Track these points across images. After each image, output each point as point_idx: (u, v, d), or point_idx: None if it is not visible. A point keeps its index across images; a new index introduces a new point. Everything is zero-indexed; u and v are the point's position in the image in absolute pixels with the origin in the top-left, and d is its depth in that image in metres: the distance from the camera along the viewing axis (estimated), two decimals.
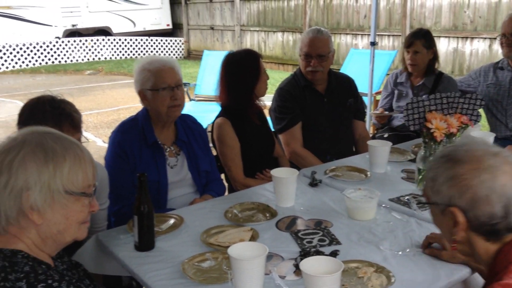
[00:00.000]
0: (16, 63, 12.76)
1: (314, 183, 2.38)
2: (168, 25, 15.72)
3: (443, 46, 9.04)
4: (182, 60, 14.67)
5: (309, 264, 1.40)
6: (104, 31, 14.53)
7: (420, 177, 2.29)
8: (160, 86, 2.30)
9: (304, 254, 1.68)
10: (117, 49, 14.50)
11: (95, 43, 14.08)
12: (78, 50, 13.83)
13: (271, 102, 3.21)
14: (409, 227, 1.93)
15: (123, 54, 14.62)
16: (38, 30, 13.31)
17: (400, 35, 9.59)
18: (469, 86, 3.74)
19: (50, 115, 1.89)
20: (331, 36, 3.11)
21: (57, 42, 13.43)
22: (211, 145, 2.69)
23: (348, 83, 3.26)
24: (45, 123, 1.82)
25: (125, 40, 14.57)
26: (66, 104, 1.98)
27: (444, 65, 8.90)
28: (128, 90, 10.11)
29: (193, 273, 1.60)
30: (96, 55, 14.18)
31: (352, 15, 10.68)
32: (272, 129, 3.10)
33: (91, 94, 9.87)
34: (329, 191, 2.32)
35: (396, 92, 3.74)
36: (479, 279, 1.64)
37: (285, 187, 2.14)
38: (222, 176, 2.78)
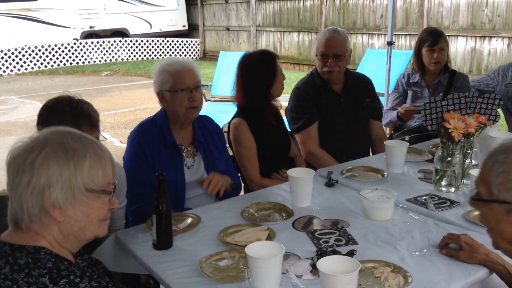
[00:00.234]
0: (35, 64, 12.94)
1: (330, 183, 2.38)
2: (184, 26, 15.80)
3: (461, 45, 8.95)
4: (198, 61, 14.73)
5: (326, 264, 1.40)
6: (121, 33, 14.66)
7: (438, 177, 2.28)
8: (179, 88, 2.32)
9: (321, 253, 1.68)
10: (134, 50, 14.63)
11: (112, 45, 14.22)
12: (96, 52, 13.99)
13: (287, 103, 3.22)
14: (427, 227, 1.92)
15: (139, 55, 14.74)
16: (57, 32, 13.48)
17: (417, 35, 9.49)
18: (487, 85, 3.70)
19: (68, 115, 1.93)
20: (348, 36, 3.10)
21: (75, 43, 13.59)
22: (227, 145, 2.71)
23: (365, 83, 3.25)
24: (64, 123, 1.85)
25: (142, 41, 14.69)
26: (84, 103, 2.01)
27: (461, 65, 8.81)
28: (145, 91, 10.20)
29: (210, 272, 1.61)
30: (113, 56, 14.32)
31: (368, 14, 10.62)
32: (288, 129, 3.11)
33: (108, 95, 9.97)
34: (346, 191, 2.32)
35: (410, 92, 3.70)
36: (497, 280, 1.63)
37: (302, 187, 2.15)
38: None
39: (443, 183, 2.27)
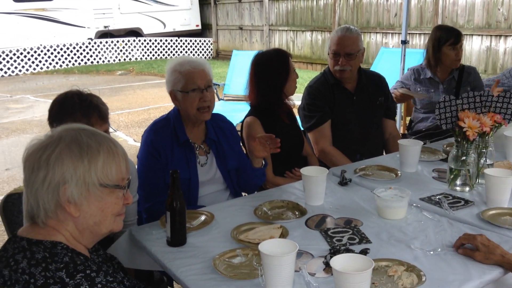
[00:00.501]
0: (50, 63, 13.08)
1: (343, 182, 2.38)
2: (197, 25, 15.86)
3: (476, 44, 8.86)
4: (211, 60, 14.77)
5: (339, 262, 1.40)
6: (135, 32, 14.76)
7: (452, 176, 2.26)
8: (190, 88, 2.33)
9: (334, 252, 1.68)
10: (148, 49, 14.72)
11: (126, 44, 14.32)
12: (110, 51, 14.10)
13: (300, 101, 3.21)
14: (441, 226, 1.91)
15: (153, 55, 14.82)
16: (71, 32, 13.61)
17: None
18: (503, 84, 3.67)
19: (78, 107, 1.96)
20: (360, 35, 3.09)
21: (89, 43, 13.71)
22: (240, 144, 2.71)
23: (379, 81, 3.23)
24: (74, 115, 1.89)
25: (155, 40, 14.77)
26: (93, 97, 2.05)
27: (476, 64, 8.72)
28: (158, 90, 10.26)
29: (224, 269, 1.62)
30: (127, 56, 14.42)
31: (382, 13, 10.57)
32: (301, 128, 3.11)
33: (122, 94, 10.04)
34: (359, 190, 2.32)
35: (419, 89, 3.69)
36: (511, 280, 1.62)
37: (315, 186, 2.15)
38: None
39: (458, 182, 2.26)
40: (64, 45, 13.20)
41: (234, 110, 5.47)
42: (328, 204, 2.16)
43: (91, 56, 13.78)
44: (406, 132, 3.96)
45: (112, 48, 14.10)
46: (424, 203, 2.12)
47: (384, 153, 3.22)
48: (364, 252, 1.69)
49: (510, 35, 8.41)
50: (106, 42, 13.98)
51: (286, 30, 13.03)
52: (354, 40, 3.01)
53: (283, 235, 1.84)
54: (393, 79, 4.68)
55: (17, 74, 12.52)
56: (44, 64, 12.96)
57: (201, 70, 2.36)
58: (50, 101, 2.07)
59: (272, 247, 1.49)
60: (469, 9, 8.95)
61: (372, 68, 5.95)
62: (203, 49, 15.29)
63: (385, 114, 3.25)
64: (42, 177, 1.22)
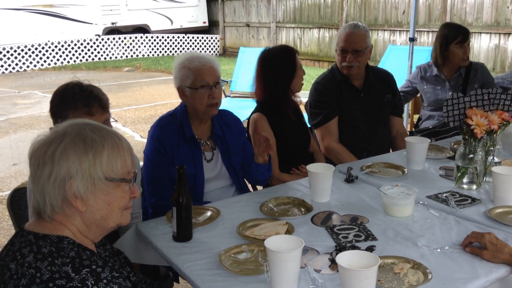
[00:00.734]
0: (58, 60, 13.13)
1: (350, 179, 2.37)
2: (204, 22, 15.87)
3: (484, 42, 8.80)
4: (218, 57, 14.76)
5: (345, 258, 1.40)
6: (142, 29, 14.80)
7: (459, 174, 2.25)
8: (199, 85, 2.33)
9: (340, 248, 1.68)
10: (155, 46, 14.74)
11: (133, 41, 14.35)
12: (117, 48, 14.13)
13: (307, 98, 3.21)
14: (447, 224, 1.90)
15: (160, 51, 14.84)
16: (79, 28, 13.66)
17: None
18: (511, 82, 3.64)
19: (79, 97, 1.98)
20: (368, 31, 3.07)
21: (97, 39, 13.75)
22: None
23: (386, 78, 3.22)
24: (75, 105, 1.91)
25: (163, 37, 14.79)
26: (94, 87, 2.06)
27: (485, 62, 8.65)
28: (165, 86, 10.28)
29: (229, 264, 1.62)
30: (134, 52, 14.45)
31: (390, 11, 10.52)
32: (308, 125, 3.10)
33: (129, 90, 10.07)
34: (365, 187, 2.31)
35: (425, 86, 3.67)
36: None
37: (321, 183, 2.14)
38: None
39: (465, 180, 2.24)
40: (71, 41, 13.25)
41: (241, 107, 5.47)
42: (334, 201, 2.16)
43: (98, 52, 13.82)
44: (413, 129, 3.94)
45: (120, 44, 14.14)
46: (431, 200, 2.11)
47: (391, 151, 3.21)
48: (370, 249, 1.68)
49: None
50: (114, 38, 14.01)
51: (293, 27, 13.00)
52: (362, 36, 3.00)
53: (289, 231, 1.83)
54: (400, 76, 4.66)
55: (25, 70, 12.59)
56: (51, 60, 13.02)
57: (210, 66, 2.36)
58: None
59: (278, 243, 1.49)
60: (477, 6, 8.90)
61: (380, 66, 5.91)
62: (210, 46, 15.30)
63: (393, 112, 3.24)
64: (48, 173, 1.22)
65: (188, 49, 14.93)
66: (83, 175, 1.24)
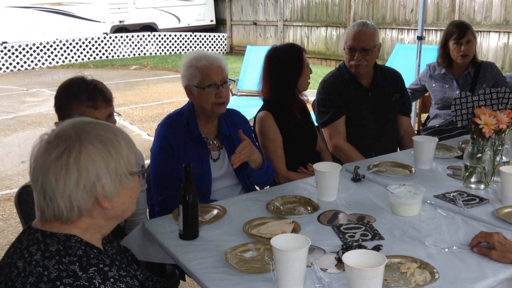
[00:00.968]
0: (66, 58, 13.19)
1: (357, 178, 2.36)
2: (211, 20, 15.87)
3: (493, 41, 8.74)
4: (225, 55, 14.76)
5: (352, 257, 1.40)
6: (150, 27, 14.82)
7: (467, 174, 2.23)
8: (206, 84, 2.32)
9: (346, 248, 1.67)
10: (162, 44, 14.77)
11: (141, 39, 14.39)
12: (125, 46, 14.17)
13: (314, 97, 3.20)
14: (455, 224, 1.89)
15: (167, 50, 14.87)
16: (87, 26, 13.71)
17: None
18: None
19: (84, 91, 2.00)
20: (377, 30, 3.05)
21: (105, 37, 13.79)
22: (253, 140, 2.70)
23: (395, 77, 3.20)
24: (80, 98, 1.93)
25: (170, 35, 14.81)
26: (97, 82, 2.09)
27: (493, 61, 8.57)
28: (172, 84, 10.30)
29: (235, 263, 1.62)
30: (142, 51, 14.49)
31: (398, 9, 10.47)
32: (315, 124, 3.09)
33: (136, 89, 10.09)
34: (373, 186, 2.30)
35: (434, 84, 3.66)
36: None
37: (328, 181, 2.14)
38: None
39: (473, 179, 2.23)
40: (79, 40, 13.30)
41: (248, 106, 5.47)
42: (341, 200, 2.15)
43: (106, 50, 13.87)
44: (420, 128, 3.93)
45: (127, 43, 14.18)
46: (439, 200, 2.10)
47: (398, 150, 3.20)
48: (376, 248, 1.68)
49: None
50: (121, 37, 14.06)
51: (301, 26, 12.97)
52: (371, 35, 2.99)
53: (295, 230, 1.83)
54: (408, 75, 4.65)
55: (33, 68, 12.65)
56: (60, 58, 13.07)
57: (217, 65, 2.35)
58: None
59: (284, 242, 1.49)
60: (486, 5, 8.83)
61: (387, 64, 5.89)
62: (217, 45, 15.30)
63: (400, 111, 3.22)
64: (75, 181, 1.20)
65: (195, 47, 14.94)
66: (111, 174, 1.24)
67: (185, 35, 14.99)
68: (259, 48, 7.46)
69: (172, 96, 9.18)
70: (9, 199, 4.54)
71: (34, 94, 9.61)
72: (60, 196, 1.20)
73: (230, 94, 2.55)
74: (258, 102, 2.94)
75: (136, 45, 14.35)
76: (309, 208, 2.06)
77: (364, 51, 2.97)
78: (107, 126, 1.31)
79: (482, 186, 2.22)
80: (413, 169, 2.46)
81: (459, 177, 2.33)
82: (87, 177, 1.21)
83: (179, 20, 15.34)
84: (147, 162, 2.45)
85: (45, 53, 12.81)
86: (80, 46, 13.36)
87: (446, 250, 1.69)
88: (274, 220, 1.93)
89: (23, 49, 12.43)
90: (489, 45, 8.82)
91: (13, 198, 2.99)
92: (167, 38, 14.80)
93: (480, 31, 8.69)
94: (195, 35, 15.06)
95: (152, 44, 14.62)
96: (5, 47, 12.16)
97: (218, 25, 16.07)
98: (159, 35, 14.69)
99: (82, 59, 13.46)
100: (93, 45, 13.59)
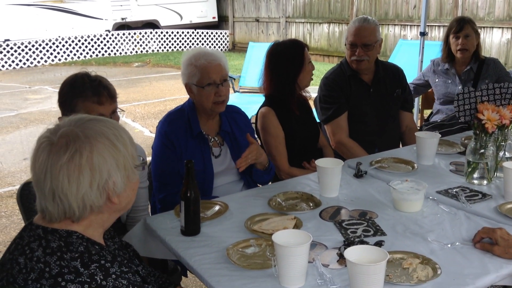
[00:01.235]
0: (68, 55, 13.19)
1: (359, 174, 2.36)
2: (214, 17, 15.84)
3: (496, 37, 8.71)
4: (227, 52, 14.76)
5: (353, 253, 1.39)
6: (152, 24, 14.81)
7: (470, 169, 2.23)
8: (205, 83, 2.31)
9: (348, 243, 1.67)
10: (164, 41, 14.76)
11: (143, 36, 14.38)
12: (127, 43, 14.17)
13: (316, 94, 3.19)
14: (457, 220, 1.89)
15: (170, 47, 14.86)
16: (89, 24, 13.70)
17: None
18: None
19: (89, 86, 2.00)
20: (378, 25, 3.05)
21: (107, 35, 13.79)
22: (255, 136, 2.70)
23: (396, 73, 3.19)
24: (85, 93, 1.93)
25: (172, 33, 14.80)
26: (102, 78, 2.09)
27: (497, 57, 8.55)
28: (174, 82, 10.29)
29: (237, 259, 1.62)
30: (144, 48, 14.48)
31: (401, 5, 10.44)
32: (317, 120, 3.08)
33: (139, 86, 10.10)
34: (375, 182, 2.30)
35: (437, 80, 3.65)
36: None
37: (330, 177, 2.13)
38: None
39: (475, 175, 2.22)
40: (82, 37, 13.30)
41: (250, 102, 5.46)
42: (343, 196, 2.15)
43: (108, 48, 13.86)
44: (423, 123, 3.92)
45: (129, 40, 14.18)
46: (441, 196, 2.10)
47: (400, 146, 3.19)
48: (378, 244, 1.67)
49: None
50: (124, 34, 14.05)
51: (303, 22, 12.94)
52: (372, 30, 2.98)
53: (297, 226, 1.83)
54: (411, 71, 4.64)
55: (35, 65, 12.66)
56: (62, 56, 13.08)
57: (217, 64, 2.33)
58: None
59: (286, 238, 1.49)
60: (489, 1, 8.80)
61: (390, 61, 5.87)
62: (219, 41, 15.28)
63: (402, 107, 3.21)
64: (88, 181, 1.20)
65: (197, 44, 14.91)
66: (120, 169, 1.25)
67: (187, 32, 14.97)
68: (261, 44, 7.43)
69: (174, 93, 9.17)
70: (11, 196, 4.55)
71: (37, 91, 9.62)
72: (73, 197, 1.19)
73: (232, 91, 2.55)
74: (260, 99, 2.94)
75: (138, 42, 14.34)
76: (311, 204, 2.06)
77: (366, 46, 2.96)
78: (106, 121, 1.30)
79: (485, 182, 2.21)
80: (415, 165, 2.46)
81: (462, 173, 2.32)
82: (100, 175, 1.21)
83: (181, 17, 15.32)
84: (149, 159, 2.44)
85: (47, 51, 12.82)
86: (83, 44, 13.36)
87: (449, 246, 1.68)
88: (276, 216, 1.92)
89: (26, 46, 12.44)
90: (492, 41, 8.78)
91: (15, 195, 3.00)
92: (169, 35, 14.78)
93: (483, 27, 8.65)
94: (197, 32, 15.04)
95: (154, 41, 14.61)
96: (7, 45, 12.17)
97: (220, 22, 16.05)
98: (161, 32, 14.68)
99: (85, 56, 13.46)
100: (95, 43, 13.59)
